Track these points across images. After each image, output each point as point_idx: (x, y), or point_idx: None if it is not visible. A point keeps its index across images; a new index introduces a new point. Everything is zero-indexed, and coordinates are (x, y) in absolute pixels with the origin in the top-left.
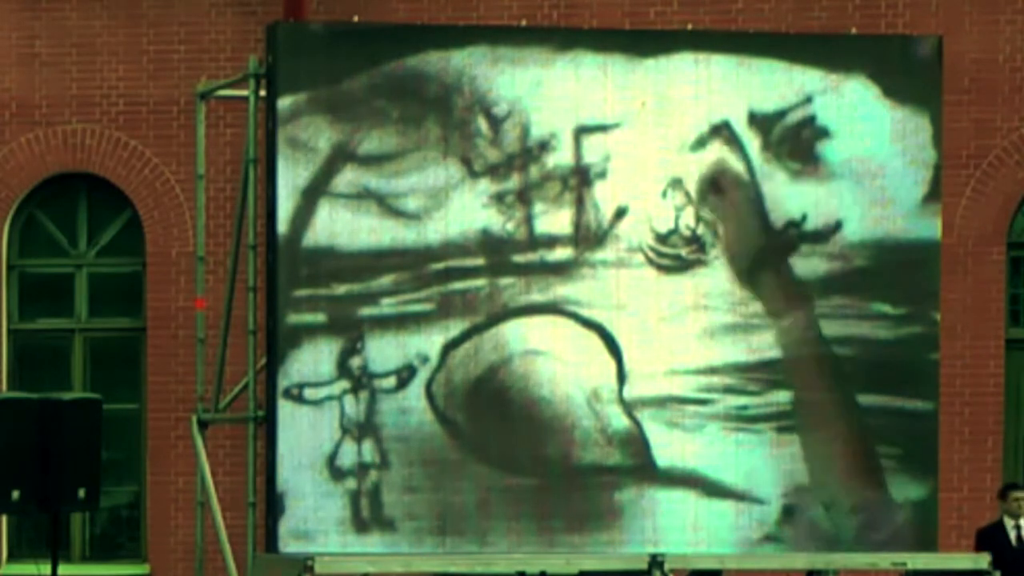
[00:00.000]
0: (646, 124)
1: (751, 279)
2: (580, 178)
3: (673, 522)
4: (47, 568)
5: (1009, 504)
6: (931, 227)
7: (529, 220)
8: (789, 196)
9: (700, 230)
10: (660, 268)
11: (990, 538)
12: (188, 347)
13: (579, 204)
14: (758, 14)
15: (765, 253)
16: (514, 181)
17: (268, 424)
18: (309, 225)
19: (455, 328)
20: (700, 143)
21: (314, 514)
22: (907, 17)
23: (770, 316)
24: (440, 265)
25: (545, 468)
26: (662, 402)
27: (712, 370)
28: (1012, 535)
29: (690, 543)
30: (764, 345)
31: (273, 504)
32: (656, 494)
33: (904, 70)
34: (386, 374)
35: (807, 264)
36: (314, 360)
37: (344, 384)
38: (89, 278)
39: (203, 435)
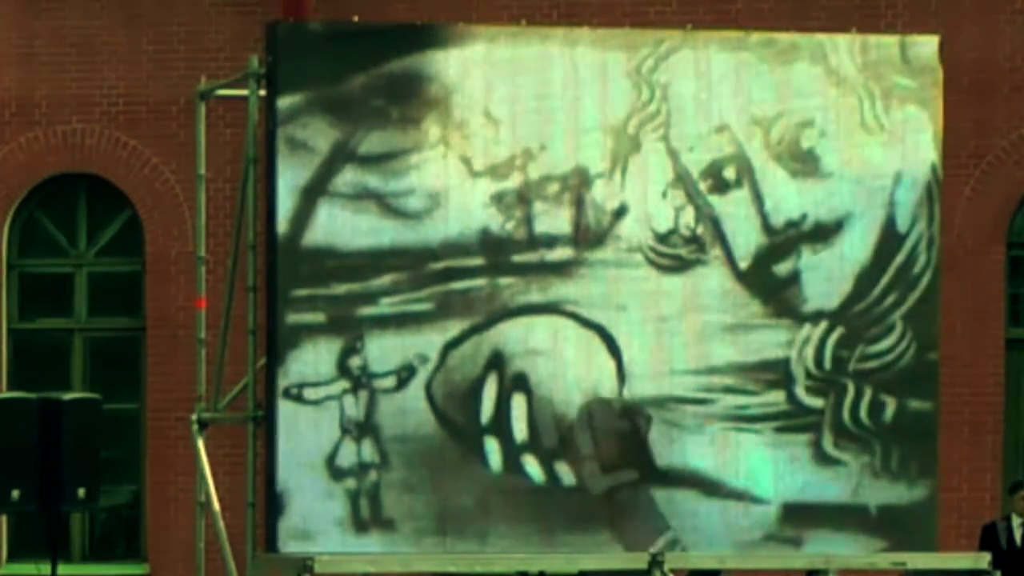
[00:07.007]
0: (646, 124)
1: (751, 279)
2: (580, 178)
3: (673, 522)
4: (47, 568)
5: (1016, 503)
6: (931, 227)
7: (529, 220)
8: (789, 196)
9: (700, 230)
10: (660, 268)
11: (994, 534)
12: (188, 347)
13: (579, 204)
14: (758, 14)
15: (765, 253)
16: (514, 181)
17: (268, 424)
18: (309, 225)
19: (455, 328)
20: (700, 143)
21: (314, 514)
22: (907, 17)
23: (769, 316)
24: (440, 265)
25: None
26: (662, 402)
27: (712, 370)
28: (1018, 533)
29: (690, 543)
30: (764, 345)
31: (273, 504)
32: (656, 494)
33: (904, 70)
34: (386, 374)
35: (807, 264)
36: (314, 360)
37: (344, 384)
38: (89, 278)
39: (203, 435)
